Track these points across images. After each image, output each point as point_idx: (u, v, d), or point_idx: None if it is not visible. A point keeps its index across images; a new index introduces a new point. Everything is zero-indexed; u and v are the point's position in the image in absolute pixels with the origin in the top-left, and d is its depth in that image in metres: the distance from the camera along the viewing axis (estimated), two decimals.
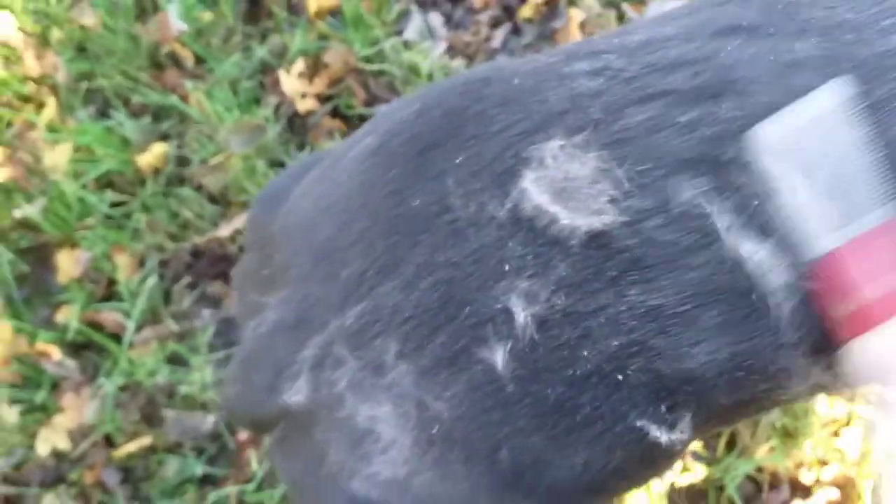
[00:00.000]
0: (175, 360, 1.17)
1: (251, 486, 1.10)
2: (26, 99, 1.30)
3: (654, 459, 0.31)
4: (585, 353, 0.30)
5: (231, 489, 1.11)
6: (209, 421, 1.15)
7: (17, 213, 1.24)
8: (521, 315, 0.31)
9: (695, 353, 0.28)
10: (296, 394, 0.36)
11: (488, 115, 0.38)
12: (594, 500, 0.32)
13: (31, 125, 1.29)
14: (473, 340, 0.32)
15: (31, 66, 1.30)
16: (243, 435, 1.11)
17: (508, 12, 1.27)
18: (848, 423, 1.06)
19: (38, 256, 1.27)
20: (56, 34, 1.31)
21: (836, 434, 1.06)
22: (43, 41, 1.32)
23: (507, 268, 0.32)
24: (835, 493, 1.04)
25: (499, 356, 0.32)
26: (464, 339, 0.32)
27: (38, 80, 1.31)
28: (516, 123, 0.36)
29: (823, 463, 1.05)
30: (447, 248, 0.34)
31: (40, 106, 1.29)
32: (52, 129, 1.26)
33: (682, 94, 0.34)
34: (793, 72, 0.32)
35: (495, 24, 1.24)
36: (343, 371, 0.36)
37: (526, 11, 1.26)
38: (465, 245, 0.34)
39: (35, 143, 1.26)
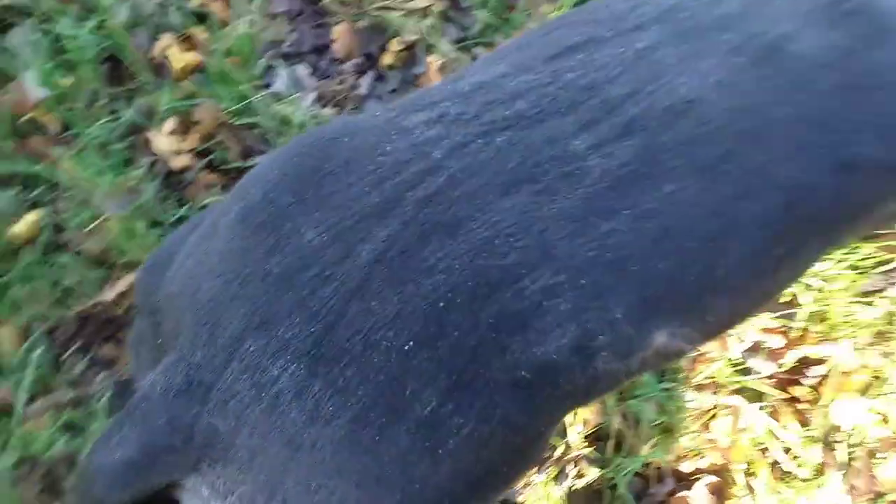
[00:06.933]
0: (72, 428, 1.16)
1: None
2: None
3: None
4: None
5: None
6: None
7: None
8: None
9: None
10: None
11: (336, 175, 0.47)
12: None
13: None
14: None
15: None
16: None
17: (371, 60, 1.34)
18: (714, 416, 1.18)
19: None
20: None
21: (706, 426, 1.18)
22: None
23: (372, 304, 0.43)
24: (713, 479, 1.14)
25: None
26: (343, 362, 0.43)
27: None
28: (364, 177, 0.46)
29: (700, 454, 1.17)
30: (310, 298, 0.43)
31: None
32: None
33: (529, 118, 0.45)
34: (649, 53, 0.43)
35: (360, 72, 1.31)
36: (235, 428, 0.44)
37: (387, 59, 1.33)
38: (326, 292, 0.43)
39: None
